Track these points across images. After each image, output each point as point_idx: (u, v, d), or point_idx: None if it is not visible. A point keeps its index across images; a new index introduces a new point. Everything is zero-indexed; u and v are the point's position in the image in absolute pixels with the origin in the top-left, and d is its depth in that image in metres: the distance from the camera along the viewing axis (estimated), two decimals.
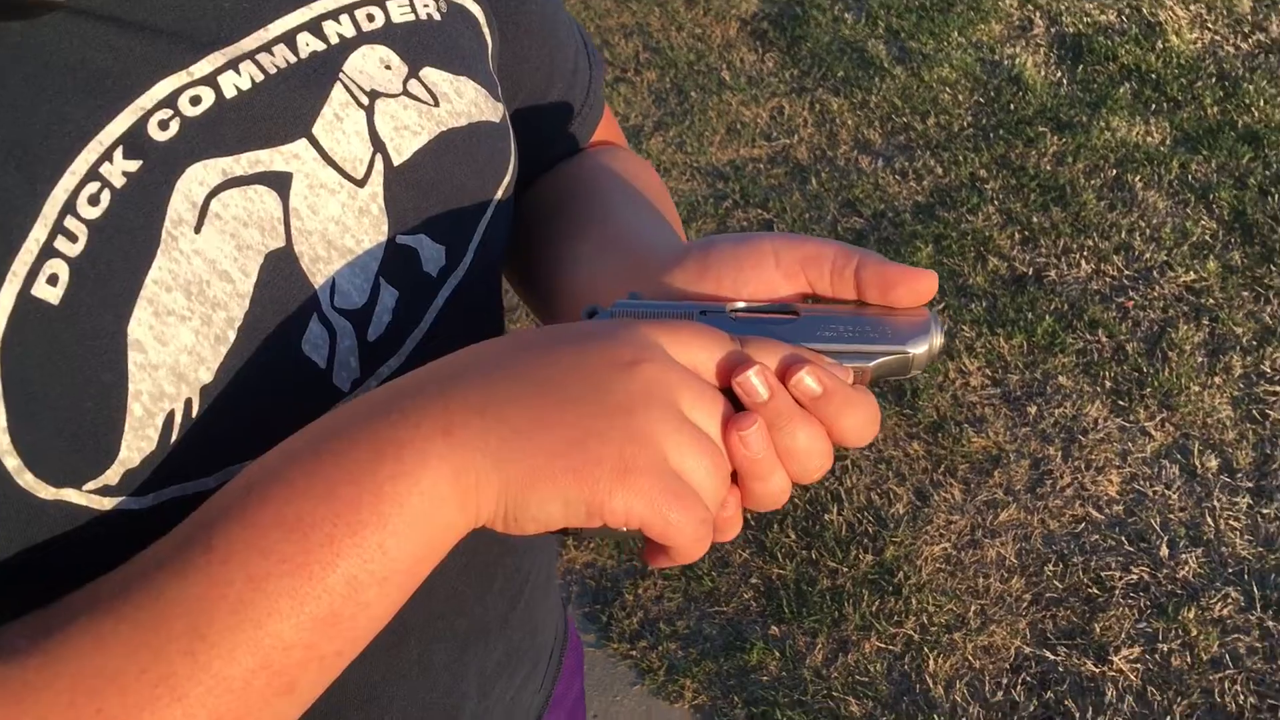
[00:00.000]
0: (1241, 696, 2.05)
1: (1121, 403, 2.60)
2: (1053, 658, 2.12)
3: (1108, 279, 2.92)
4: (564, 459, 0.47)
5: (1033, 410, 2.60)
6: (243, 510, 0.47)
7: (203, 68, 0.55)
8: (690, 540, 0.49)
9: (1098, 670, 2.10)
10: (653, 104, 3.81)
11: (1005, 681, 2.10)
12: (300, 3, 0.60)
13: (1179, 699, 2.05)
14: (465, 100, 0.65)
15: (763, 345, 0.53)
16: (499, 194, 0.67)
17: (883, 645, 2.15)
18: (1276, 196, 3.06)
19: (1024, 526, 2.36)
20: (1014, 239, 3.08)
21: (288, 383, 0.58)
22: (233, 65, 0.56)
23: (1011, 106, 3.54)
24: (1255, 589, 2.20)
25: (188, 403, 0.54)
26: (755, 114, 3.69)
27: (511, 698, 0.77)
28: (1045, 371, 2.69)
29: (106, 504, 0.53)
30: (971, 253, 3.04)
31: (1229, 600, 2.19)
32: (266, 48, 0.58)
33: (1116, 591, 2.22)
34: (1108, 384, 2.64)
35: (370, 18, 0.62)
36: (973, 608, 2.21)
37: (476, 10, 0.69)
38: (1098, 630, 2.16)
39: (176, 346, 0.53)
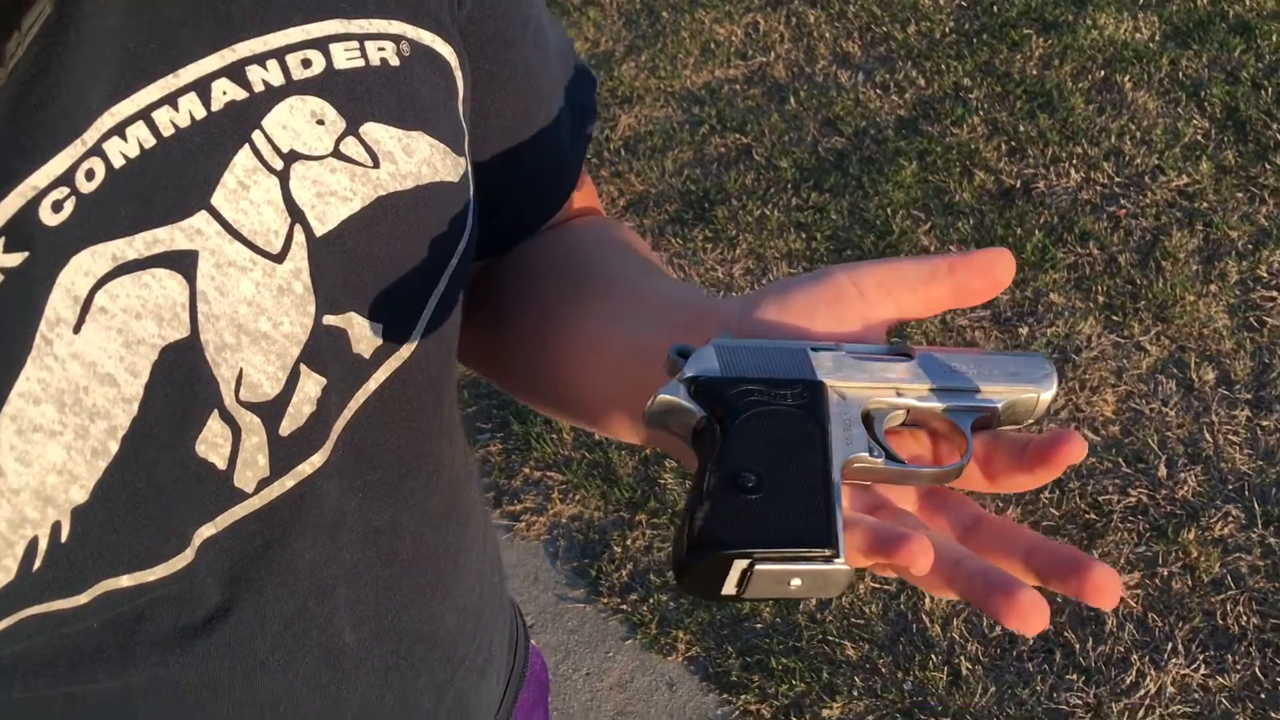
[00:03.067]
0: (1244, 618, 2.01)
1: (1115, 318, 2.53)
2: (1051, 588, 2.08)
3: (1098, 187, 2.83)
4: None
5: (1024, 331, 2.53)
6: None
7: (91, 135, 0.48)
8: None
9: None
10: (623, 26, 3.68)
11: None
12: (224, 42, 0.51)
13: (1180, 624, 2.02)
14: (415, 160, 0.57)
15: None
16: (453, 264, 0.60)
17: (877, 586, 2.11)
18: (1270, 90, 2.95)
19: None
20: (1000, 150, 2.98)
21: (179, 489, 0.51)
22: (119, 129, 0.49)
23: (995, 9, 3.42)
24: (1256, 505, 2.16)
25: (55, 527, 0.48)
26: (730, 31, 3.57)
27: None
28: (1036, 289, 2.62)
29: None
30: (957, 168, 2.95)
31: (1230, 519, 2.15)
32: (170, 100, 0.50)
33: (1115, 516, 2.18)
34: (1100, 299, 2.57)
35: (306, 63, 0.54)
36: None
37: (447, 52, 0.60)
38: (1096, 557, 2.11)
39: (43, 466, 0.47)
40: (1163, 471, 2.23)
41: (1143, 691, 1.93)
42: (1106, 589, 0.46)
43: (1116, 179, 2.84)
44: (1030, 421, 0.56)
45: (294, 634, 0.59)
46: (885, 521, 0.50)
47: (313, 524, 0.57)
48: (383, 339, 0.57)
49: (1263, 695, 1.92)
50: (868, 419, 0.54)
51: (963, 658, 2.00)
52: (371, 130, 0.55)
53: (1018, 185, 2.88)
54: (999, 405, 0.54)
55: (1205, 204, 2.73)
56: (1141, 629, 2.02)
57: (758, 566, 0.46)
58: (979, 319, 2.58)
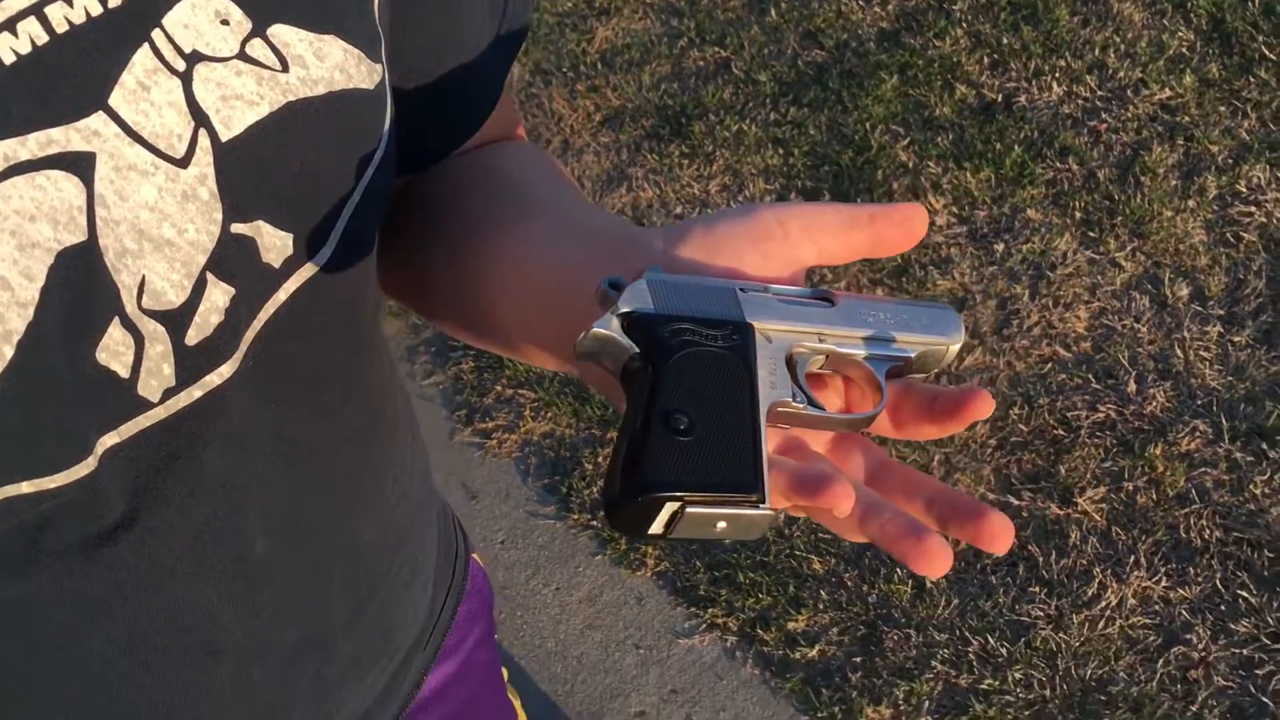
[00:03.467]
0: (1207, 531, 2.03)
1: (1091, 234, 2.52)
2: (1017, 503, 2.10)
3: (1080, 101, 2.80)
4: None
5: (1000, 248, 2.52)
6: None
7: None
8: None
9: (1062, 513, 2.08)
10: None
11: None
12: None
13: (1144, 537, 2.04)
14: (327, 64, 0.55)
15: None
16: (369, 174, 0.58)
17: None
18: (1256, 1, 2.89)
19: (990, 370, 2.31)
20: (983, 64, 2.93)
21: (79, 397, 0.51)
22: (9, 25, 0.47)
23: None
24: (1224, 420, 2.17)
25: None
26: None
27: (364, 694, 0.73)
28: (1014, 205, 2.60)
29: None
30: (938, 81, 2.91)
31: (1197, 433, 2.16)
32: None
33: (1083, 432, 2.19)
34: (1078, 214, 2.55)
35: None
36: (936, 457, 2.18)
37: None
38: (1063, 473, 2.13)
39: None
40: (1132, 387, 2.24)
41: (1104, 603, 1.96)
42: (999, 535, 0.48)
43: (1099, 92, 2.81)
44: (936, 370, 0.58)
45: (203, 543, 0.59)
46: (805, 465, 0.51)
47: (222, 435, 0.57)
48: (293, 249, 0.56)
49: (1222, 607, 1.95)
50: (790, 363, 0.55)
51: None
52: (280, 32, 0.54)
53: (999, 99, 2.84)
54: (913, 355, 0.56)
55: (1187, 118, 2.70)
56: (1105, 542, 2.04)
57: (688, 510, 0.47)
58: (955, 236, 2.56)
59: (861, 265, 2.52)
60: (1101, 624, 1.94)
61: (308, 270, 0.57)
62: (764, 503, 0.49)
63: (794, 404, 0.53)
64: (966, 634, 1.94)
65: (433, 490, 0.88)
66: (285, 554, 0.62)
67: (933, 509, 0.51)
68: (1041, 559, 2.02)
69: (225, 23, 0.52)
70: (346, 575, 0.68)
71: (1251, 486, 2.07)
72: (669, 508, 0.47)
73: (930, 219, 2.59)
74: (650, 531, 0.48)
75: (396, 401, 0.71)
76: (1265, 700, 1.83)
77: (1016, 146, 2.70)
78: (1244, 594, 1.95)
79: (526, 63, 3.19)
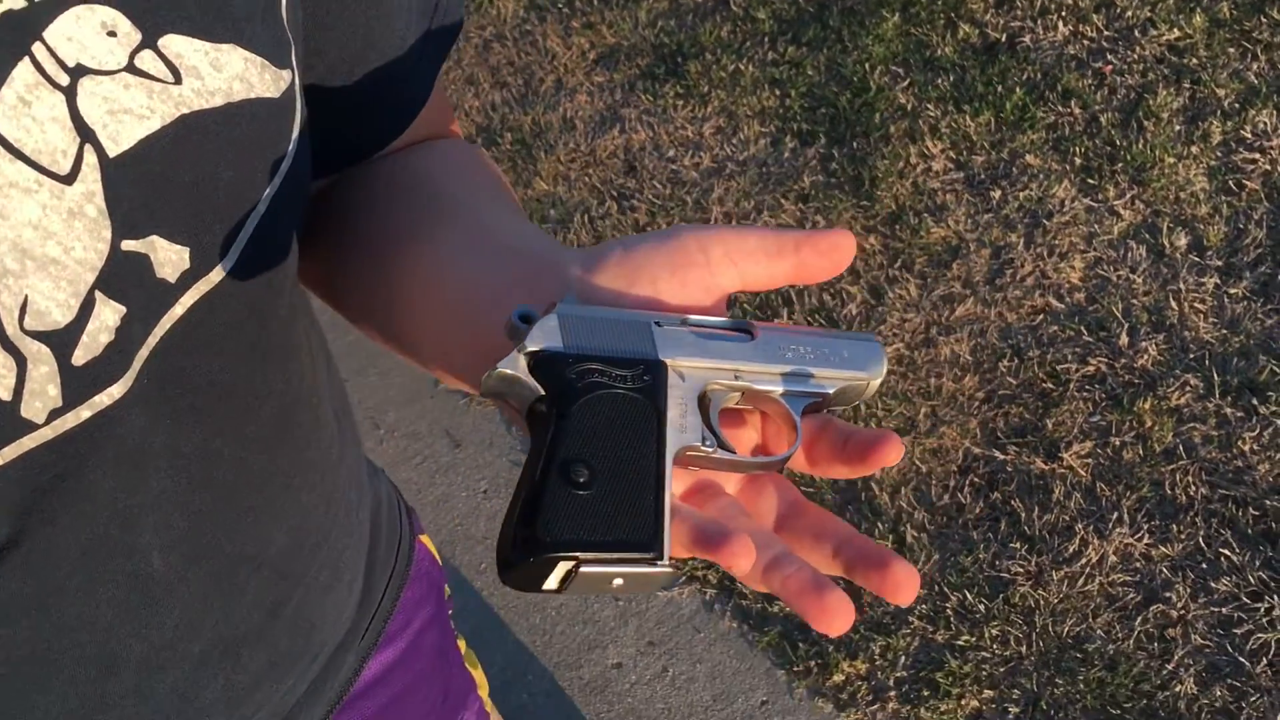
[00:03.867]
0: (1193, 488, 2.02)
1: (1091, 180, 2.47)
2: (1002, 457, 2.09)
3: (1085, 42, 2.73)
4: None
5: (997, 195, 2.47)
6: None
7: None
8: None
9: (1047, 467, 2.07)
10: None
11: (953, 484, 2.07)
12: None
13: (1128, 493, 2.03)
14: (225, 75, 0.54)
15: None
16: (275, 184, 0.57)
17: None
18: None
19: (981, 321, 2.29)
20: (988, 1, 2.86)
21: None
22: None
23: None
24: (1215, 374, 2.14)
25: None
26: None
27: (287, 693, 0.73)
28: (1012, 150, 2.55)
29: None
30: (941, 19, 2.84)
31: (1188, 388, 2.13)
32: None
33: (1072, 385, 2.16)
34: (1078, 160, 2.50)
35: None
36: (923, 410, 2.17)
37: None
38: (1050, 426, 2.11)
39: None
40: (1124, 340, 2.21)
41: (1084, 560, 1.95)
42: (904, 586, 0.48)
43: (1105, 32, 2.73)
44: (854, 404, 0.57)
45: (94, 561, 0.58)
46: (708, 517, 0.50)
47: (113, 454, 0.56)
48: (190, 263, 0.54)
49: (1204, 565, 1.94)
50: (704, 401, 0.54)
51: (909, 525, 2.02)
52: (172, 43, 0.52)
53: (1003, 39, 2.77)
54: (831, 391, 0.55)
55: (1195, 60, 2.63)
56: (1089, 498, 2.03)
57: (582, 569, 0.46)
58: (951, 182, 2.52)
59: (854, 210, 2.48)
60: (1081, 581, 1.93)
61: (206, 284, 0.56)
62: (662, 560, 0.48)
63: (703, 448, 0.52)
64: (945, 589, 1.94)
65: (369, 485, 0.87)
66: (184, 568, 0.62)
67: (840, 555, 0.51)
68: (1024, 514, 2.01)
69: (112, 34, 0.50)
70: (256, 584, 0.67)
71: (1240, 443, 2.05)
72: (562, 567, 0.47)
73: (927, 165, 2.54)
74: (544, 588, 0.47)
75: (317, 408, 0.70)
76: (1242, 660, 1.83)
77: (1018, 89, 2.64)
78: (1226, 552, 1.94)
79: None
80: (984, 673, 1.86)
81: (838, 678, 1.87)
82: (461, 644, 0.99)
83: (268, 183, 0.56)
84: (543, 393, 0.50)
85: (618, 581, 0.47)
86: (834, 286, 2.36)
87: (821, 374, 0.55)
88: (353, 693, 0.83)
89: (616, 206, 2.52)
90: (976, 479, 2.08)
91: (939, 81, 2.69)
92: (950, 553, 1.99)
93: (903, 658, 1.89)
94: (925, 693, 1.85)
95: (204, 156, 0.53)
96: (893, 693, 1.86)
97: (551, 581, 0.47)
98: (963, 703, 1.83)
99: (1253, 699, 1.79)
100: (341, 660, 0.80)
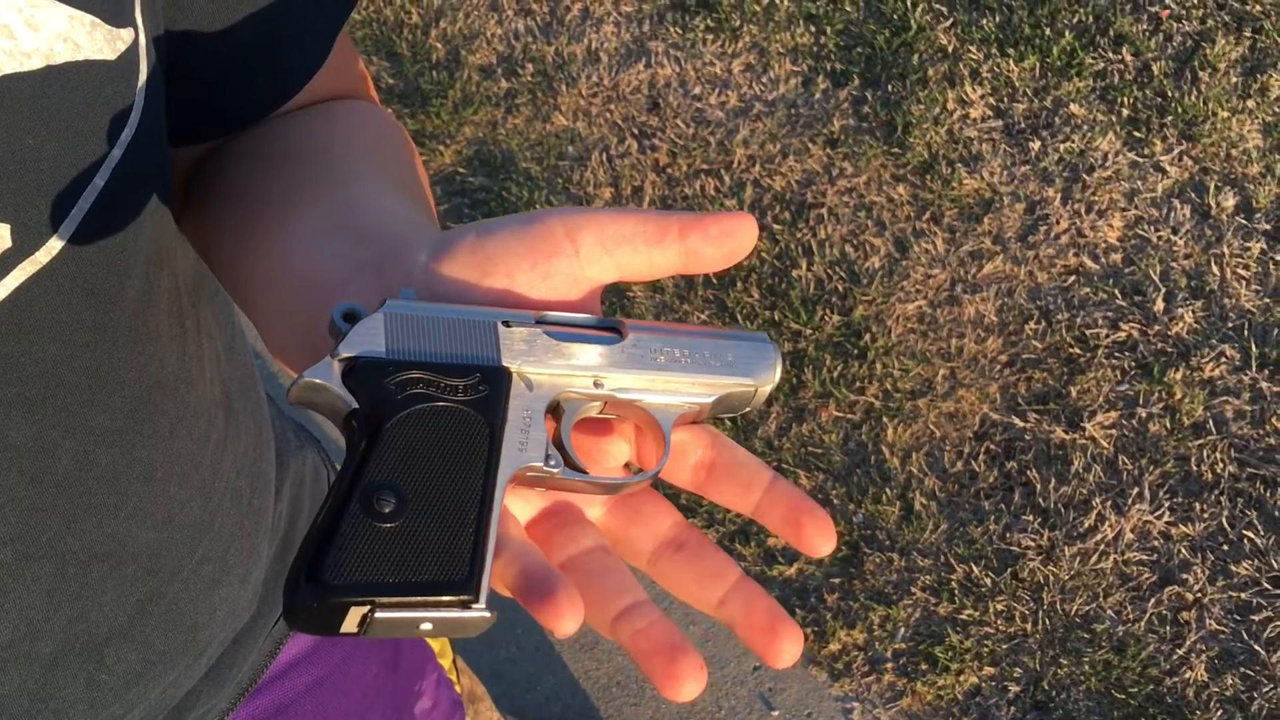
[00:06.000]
0: (1220, 465, 1.93)
1: (1137, 134, 2.34)
2: (1021, 425, 2.01)
3: None
4: None
5: (1036, 146, 2.35)
6: None
7: None
8: None
9: (1068, 437, 1.98)
10: None
11: (967, 451, 2.00)
12: None
13: (1151, 468, 1.94)
14: (44, 35, 0.48)
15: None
16: (114, 155, 0.51)
17: (840, 414, 2.05)
18: None
19: (1009, 280, 2.19)
20: None
21: None
22: None
23: None
24: (1254, 346, 2.03)
25: None
26: None
27: (171, 689, 0.69)
28: (1056, 99, 2.42)
29: None
30: None
31: (1223, 359, 2.03)
32: None
33: (1100, 351, 2.07)
34: (1125, 111, 2.37)
35: None
36: (941, 371, 2.09)
37: None
38: (1074, 394, 2.03)
39: None
40: (1160, 305, 2.10)
41: (1100, 536, 1.88)
42: (787, 653, 0.45)
43: None
44: (743, 412, 0.52)
45: None
46: (539, 562, 0.44)
47: None
48: (11, 241, 0.49)
49: (1225, 546, 1.86)
50: (556, 409, 0.48)
51: (918, 492, 1.95)
52: None
53: None
54: (709, 401, 0.49)
55: (1258, 7, 2.47)
56: (1110, 471, 1.95)
57: (378, 614, 0.41)
58: (989, 130, 2.40)
59: (884, 158, 2.38)
60: (1095, 558, 1.86)
61: (32, 264, 0.50)
62: (478, 603, 0.42)
63: (546, 467, 0.46)
64: (952, 561, 1.88)
65: (288, 464, 0.82)
66: (21, 565, 0.58)
67: (724, 608, 0.47)
68: (1039, 485, 1.94)
69: None
70: (115, 580, 0.63)
71: (1274, 420, 1.95)
72: (356, 611, 0.41)
73: (965, 111, 2.43)
74: (343, 631, 0.42)
75: (187, 395, 0.65)
76: (1257, 648, 1.75)
77: (1068, 32, 2.50)
78: (1250, 534, 1.85)
79: None
80: (985, 649, 1.80)
81: (834, 646, 1.82)
82: None
83: (104, 154, 0.51)
84: (355, 406, 0.44)
85: (425, 626, 0.42)
86: (857, 239, 2.27)
87: (698, 381, 0.49)
88: (270, 674, 0.80)
89: (636, 145, 2.43)
90: (993, 446, 2.00)
91: (984, 22, 2.56)
92: (960, 522, 1.93)
93: (902, 629, 1.84)
94: (923, 666, 1.80)
95: (19, 125, 0.47)
96: (889, 664, 1.81)
97: (348, 625, 0.41)
98: (961, 678, 1.78)
99: (1265, 689, 1.72)
100: (247, 647, 0.76)
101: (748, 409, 0.51)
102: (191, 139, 0.63)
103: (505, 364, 0.46)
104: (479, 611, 0.42)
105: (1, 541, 0.56)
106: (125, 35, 0.51)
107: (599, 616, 0.45)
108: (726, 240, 0.46)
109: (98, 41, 0.50)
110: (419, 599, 0.41)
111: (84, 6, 0.49)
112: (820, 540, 0.47)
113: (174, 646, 0.68)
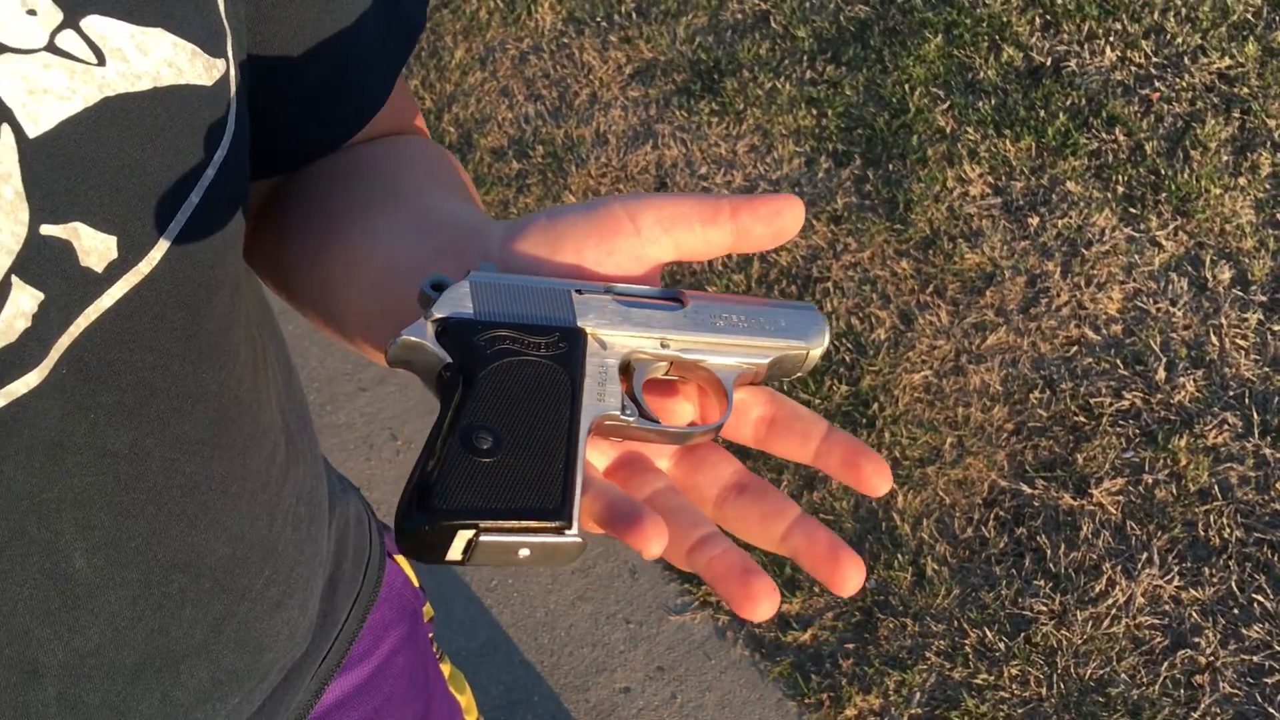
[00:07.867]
0: (1227, 530, 1.95)
1: (1133, 210, 2.41)
2: (1029, 491, 2.03)
3: (1133, 68, 2.66)
4: None
5: (1035, 221, 2.42)
6: None
7: None
8: None
9: (1075, 503, 2.01)
10: None
11: (976, 517, 2.02)
12: None
13: (1159, 533, 1.96)
14: (152, 59, 0.52)
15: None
16: (208, 174, 0.55)
17: None
18: None
19: (1013, 350, 2.23)
20: (1034, 24, 2.81)
21: None
22: None
23: None
24: (1255, 413, 2.07)
25: None
26: None
27: (231, 714, 0.70)
28: (1053, 177, 2.49)
29: None
30: (985, 42, 2.79)
31: (1225, 426, 2.07)
32: None
33: (1105, 419, 2.10)
34: (1120, 189, 2.44)
35: None
36: (949, 439, 2.12)
37: None
38: (1080, 461, 2.05)
39: None
40: (1161, 375, 2.15)
41: (1111, 601, 1.89)
42: (850, 580, 0.47)
43: (1154, 59, 2.67)
44: (796, 375, 0.55)
45: (8, 558, 0.56)
46: (624, 495, 0.47)
47: (27, 445, 0.54)
48: (118, 253, 0.53)
49: (1235, 610, 1.87)
50: (628, 369, 0.52)
51: (929, 558, 1.97)
52: (96, 24, 0.51)
53: (1048, 63, 2.71)
54: (765, 362, 0.52)
55: (1246, 89, 2.56)
56: (1118, 537, 1.97)
57: (483, 538, 0.44)
58: (988, 207, 2.46)
59: (887, 234, 2.44)
60: (1107, 622, 1.87)
61: (135, 275, 0.54)
62: (570, 529, 0.45)
63: (623, 417, 0.50)
64: (965, 626, 1.89)
65: (336, 504, 0.85)
66: (110, 571, 0.60)
67: (787, 540, 0.49)
68: (1049, 551, 1.95)
69: (32, 13, 0.49)
70: (194, 594, 0.65)
71: (1278, 484, 1.98)
72: (463, 535, 0.44)
73: (964, 189, 2.49)
74: (447, 558, 0.45)
75: (259, 415, 0.68)
76: (1272, 711, 1.76)
77: (1061, 114, 2.59)
78: (1260, 598, 1.87)
79: (560, 11, 3.12)
80: (1001, 713, 1.80)
81: (850, 712, 1.82)
82: (446, 668, 0.97)
83: (200, 173, 0.55)
84: (449, 360, 0.48)
85: (524, 552, 0.45)
86: (863, 311, 2.31)
87: (755, 343, 0.52)
88: (312, 716, 0.81)
89: None
90: (1002, 513, 2.02)
91: (980, 105, 2.64)
92: (971, 588, 1.94)
93: (918, 694, 1.84)
94: None
95: (130, 142, 0.52)
96: None
97: (454, 552, 0.44)
98: None
99: None
100: (298, 682, 0.78)
101: (800, 372, 0.54)
102: (270, 169, 0.67)
103: (580, 325, 0.50)
104: (571, 537, 0.45)
105: (94, 547, 0.58)
106: (219, 65, 0.55)
107: (675, 549, 0.48)
108: (775, 219, 0.50)
109: (197, 68, 0.54)
110: (519, 524, 0.45)
111: (186, 36, 0.54)
112: (878, 480, 0.50)
113: (241, 667, 0.70)
